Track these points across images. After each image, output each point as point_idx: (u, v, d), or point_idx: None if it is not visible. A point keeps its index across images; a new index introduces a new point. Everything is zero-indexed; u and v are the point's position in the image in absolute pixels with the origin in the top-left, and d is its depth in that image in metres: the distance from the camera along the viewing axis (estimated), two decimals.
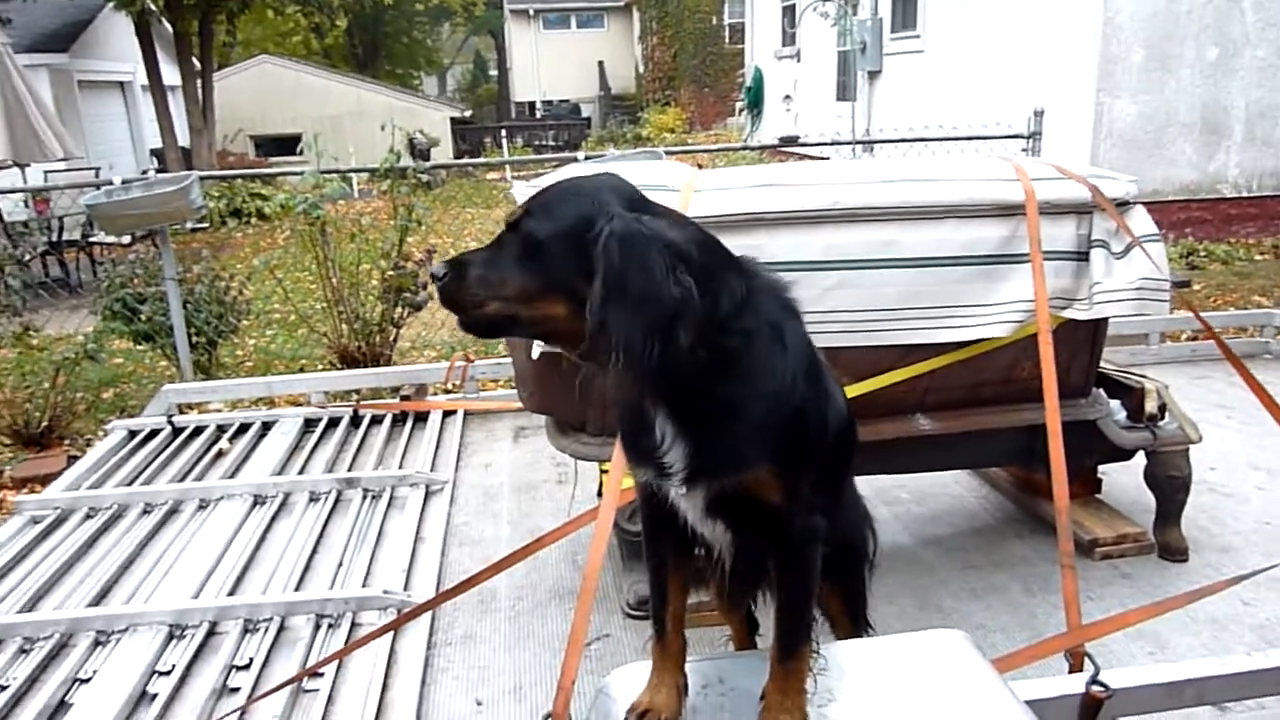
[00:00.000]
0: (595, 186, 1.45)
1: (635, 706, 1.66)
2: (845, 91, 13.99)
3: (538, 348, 2.76)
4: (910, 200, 2.85)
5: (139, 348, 7.07)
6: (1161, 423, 3.17)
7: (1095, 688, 1.97)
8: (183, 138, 18.56)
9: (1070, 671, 2.11)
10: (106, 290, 6.66)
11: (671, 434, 1.46)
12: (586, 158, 6.56)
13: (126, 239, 11.66)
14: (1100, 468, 3.45)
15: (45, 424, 5.72)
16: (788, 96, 15.91)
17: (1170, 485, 3.14)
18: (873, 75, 13.03)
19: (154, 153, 19.42)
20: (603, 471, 3.32)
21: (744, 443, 1.48)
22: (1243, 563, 3.06)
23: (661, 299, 1.31)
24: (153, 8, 16.81)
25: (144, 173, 15.14)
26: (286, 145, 24.96)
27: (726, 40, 25.19)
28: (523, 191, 2.98)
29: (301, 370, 6.85)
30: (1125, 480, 3.44)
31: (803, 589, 1.63)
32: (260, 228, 15.92)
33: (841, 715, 1.64)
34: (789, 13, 16.57)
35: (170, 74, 18.06)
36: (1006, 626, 2.80)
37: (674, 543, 1.69)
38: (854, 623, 2.06)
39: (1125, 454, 3.23)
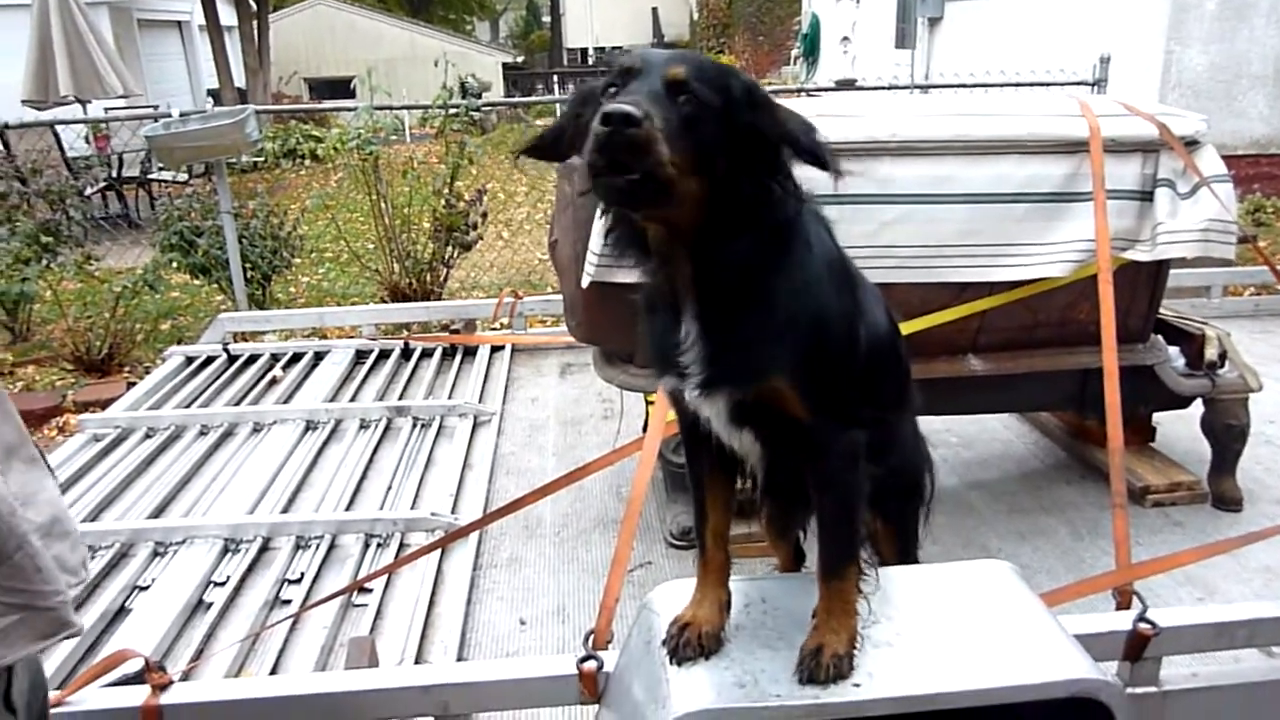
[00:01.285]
0: (735, 71, 1.45)
1: (678, 620, 1.67)
2: (904, 39, 13.63)
3: (587, 277, 2.76)
4: (970, 134, 2.78)
5: (195, 281, 7.20)
6: (1221, 370, 3.10)
7: (1142, 625, 1.95)
8: (238, 78, 18.71)
9: (1117, 609, 2.09)
10: (164, 223, 6.79)
11: (695, 335, 1.45)
12: None
13: (184, 175, 11.87)
14: (1155, 417, 3.38)
15: (106, 351, 5.89)
16: (845, 38, 15.54)
17: (1228, 434, 3.08)
18: (933, 22, 12.68)
19: (210, 93, 19.62)
20: (649, 404, 3.34)
21: (761, 348, 1.46)
22: None
23: (815, 146, 1.40)
24: None
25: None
26: (340, 88, 25.03)
27: None
28: None
29: (353, 305, 6.94)
30: (1180, 430, 3.38)
31: (844, 505, 1.62)
32: (314, 169, 16.01)
33: (886, 637, 1.64)
34: None
35: (227, 14, 18.16)
36: (1053, 569, 2.78)
37: (710, 457, 1.69)
38: (903, 559, 2.05)
39: (1182, 402, 3.17)
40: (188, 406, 4.13)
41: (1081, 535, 2.95)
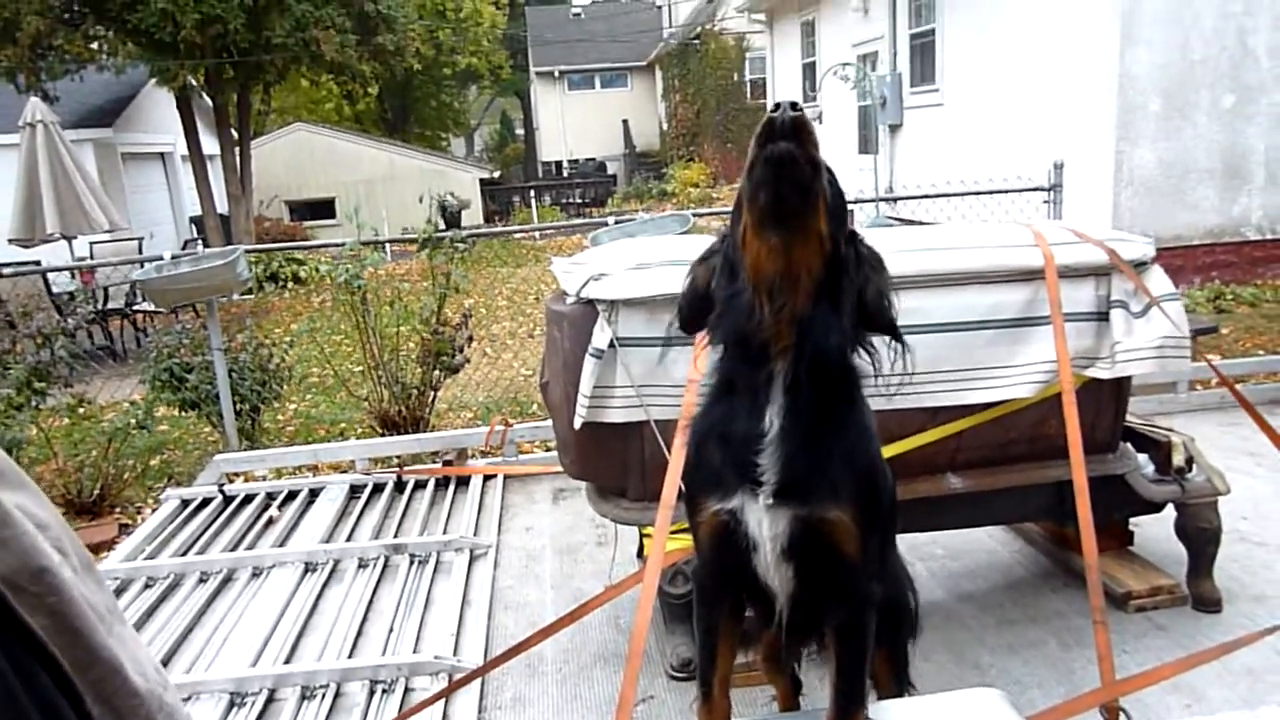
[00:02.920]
0: None
1: None
2: (867, 145, 14.20)
3: (579, 418, 2.89)
4: (934, 269, 2.96)
5: (183, 415, 7.27)
6: (1189, 475, 3.23)
7: None
8: (221, 205, 19.12)
9: None
10: (155, 360, 6.89)
11: (778, 430, 1.55)
12: (616, 221, 6.75)
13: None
14: (1132, 520, 3.50)
15: (97, 493, 5.91)
16: None
17: (1200, 537, 3.19)
18: (894, 129, 13.23)
19: (193, 220, 20.02)
20: (643, 534, 3.43)
21: (837, 473, 1.58)
22: (1277, 612, 3.09)
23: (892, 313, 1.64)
24: (194, 83, 17.46)
25: (185, 243, 15.61)
26: (320, 209, 25.60)
27: (748, 96, 25.63)
28: (562, 268, 3.14)
29: (343, 434, 7.02)
30: (1158, 531, 3.49)
31: (861, 653, 1.72)
32: (296, 292, 16.31)
33: None
34: (809, 70, 16.89)
35: (209, 144, 18.67)
36: (1044, 681, 2.85)
37: (730, 603, 1.79)
38: (897, 682, 2.14)
39: (1155, 507, 3.29)
40: (185, 553, 4.17)
41: (1069, 645, 3.03)
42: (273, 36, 16.07)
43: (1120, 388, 3.18)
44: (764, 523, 1.60)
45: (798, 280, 1.48)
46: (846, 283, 1.55)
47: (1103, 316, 3.05)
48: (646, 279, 2.84)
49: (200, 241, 16.09)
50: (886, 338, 1.64)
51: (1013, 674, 2.90)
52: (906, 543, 3.65)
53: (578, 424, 2.90)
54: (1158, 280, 3.08)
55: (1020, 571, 3.58)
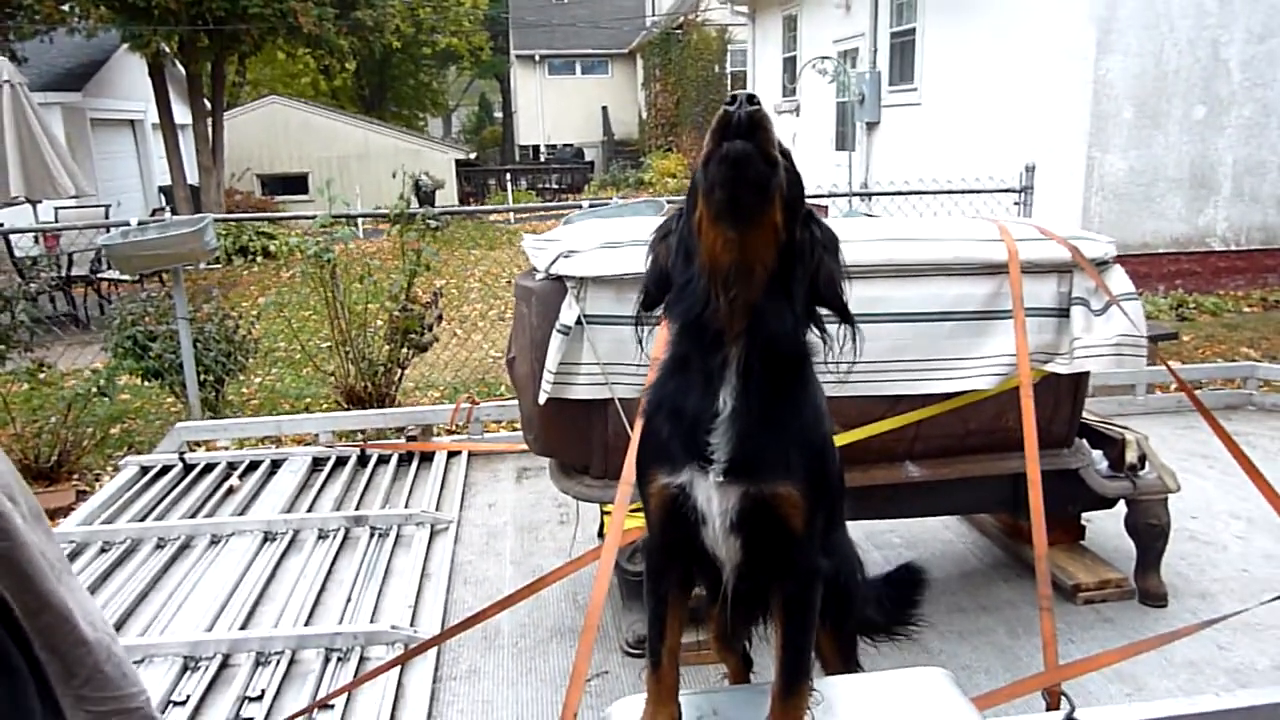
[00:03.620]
0: None
1: None
2: (844, 141, 14.27)
3: (544, 394, 2.90)
4: (900, 259, 3.00)
5: (146, 384, 7.20)
6: (1141, 472, 3.30)
7: None
8: (191, 175, 18.86)
9: (1047, 709, 2.22)
10: (118, 328, 6.81)
11: (730, 411, 1.58)
12: (590, 204, 6.75)
13: (127, 276, 11.87)
14: (1084, 515, 3.56)
15: (55, 459, 5.84)
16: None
17: (1149, 533, 3.26)
18: (871, 126, 13.31)
19: (162, 190, 19.74)
20: (604, 513, 3.45)
21: (784, 451, 1.61)
22: (1220, 609, 3.17)
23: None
24: (166, 50, 17.19)
25: (154, 211, 15.39)
26: (293, 184, 25.34)
27: (729, 88, 25.62)
28: (532, 244, 3.14)
29: (308, 410, 6.97)
30: (1109, 527, 3.56)
31: (806, 626, 1.75)
32: (266, 266, 16.15)
33: None
34: (789, 65, 16.92)
35: (181, 113, 18.40)
36: (991, 668, 2.90)
37: (679, 574, 1.81)
38: (845, 663, 2.17)
39: (1107, 502, 3.35)
40: (144, 519, 4.14)
41: (1018, 634, 3.08)
42: (249, 6, 15.87)
43: (1078, 384, 3.24)
44: (713, 499, 1.63)
45: (752, 271, 1.52)
46: (800, 269, 1.57)
47: (1063, 313, 3.10)
48: (615, 257, 2.85)
49: (169, 210, 15.88)
50: (838, 320, 1.67)
51: (961, 659, 2.95)
52: (864, 529, 3.71)
53: (542, 399, 2.91)
54: (1118, 280, 3.14)
55: (974, 562, 3.64)
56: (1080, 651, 2.89)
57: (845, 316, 1.67)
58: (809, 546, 1.70)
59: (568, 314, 2.86)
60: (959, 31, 11.11)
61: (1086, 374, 3.20)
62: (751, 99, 1.44)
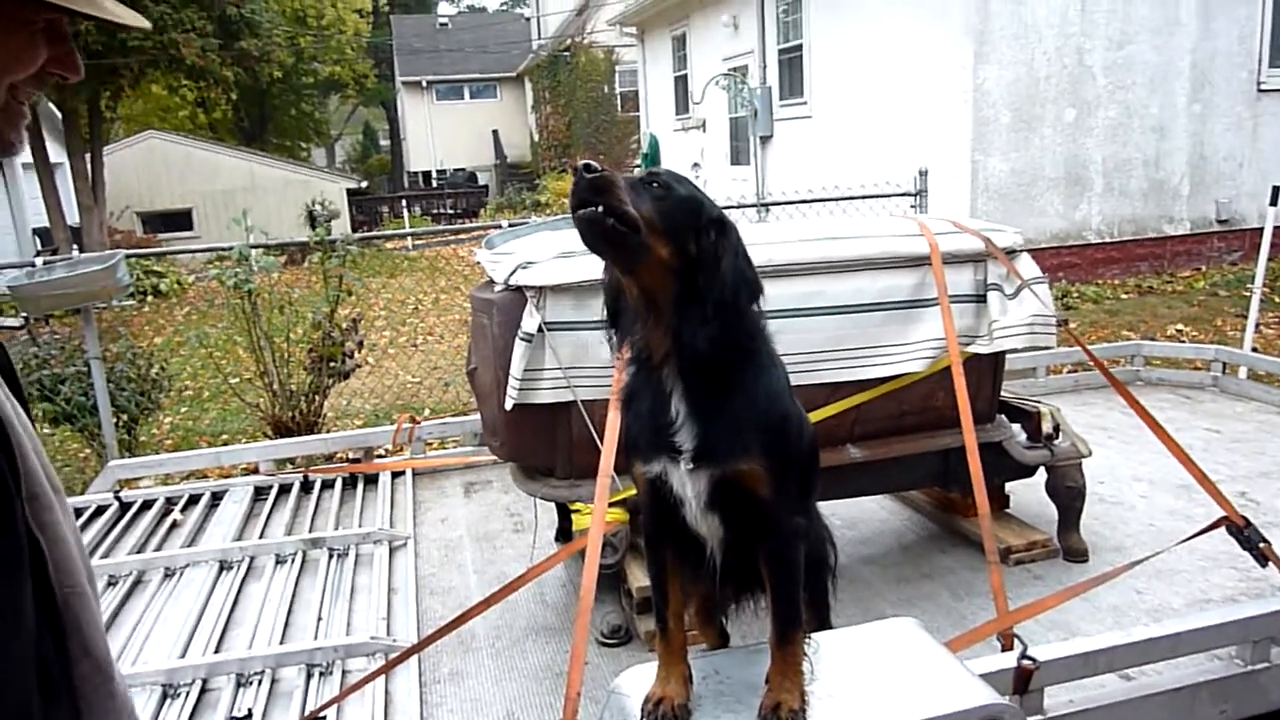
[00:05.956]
0: (695, 186, 1.82)
1: (650, 697, 1.90)
2: (739, 155, 14.72)
3: (510, 399, 3.02)
4: (833, 256, 3.24)
5: (49, 432, 6.98)
6: (1057, 441, 3.61)
7: (1025, 661, 2.32)
8: (70, 215, 18.16)
9: (1003, 651, 2.45)
10: (23, 373, 6.60)
11: (684, 414, 1.75)
12: (510, 224, 6.85)
13: (17, 321, 11.41)
14: (1007, 486, 3.86)
15: None
16: (696, 164, 16.51)
17: (1069, 494, 3.57)
18: (765, 140, 13.77)
19: (37, 232, 18.91)
20: (563, 518, 3.58)
21: (741, 435, 1.78)
22: (1134, 559, 3.48)
23: (757, 281, 1.75)
24: None
25: (53, 251, 14.75)
26: (175, 221, 24.58)
27: (619, 108, 26.03)
28: (488, 258, 3.27)
29: (227, 445, 6.86)
30: (1029, 496, 3.86)
31: (793, 578, 1.92)
32: (157, 305, 15.67)
33: (826, 690, 1.92)
34: (681, 83, 17.33)
35: (55, 152, 17.72)
36: (940, 627, 3.13)
37: (674, 545, 1.97)
38: (820, 627, 2.36)
39: (1028, 471, 3.65)
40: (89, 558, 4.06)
41: (961, 596, 3.34)
42: (128, 39, 15.44)
43: (997, 363, 3.53)
44: (686, 484, 1.81)
45: (656, 301, 1.71)
46: (705, 277, 1.71)
47: (980, 298, 3.40)
48: (572, 266, 3.00)
49: (76, 249, 15.24)
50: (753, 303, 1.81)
51: None
52: None
53: (509, 405, 3.03)
54: (1026, 265, 3.45)
55: (911, 536, 3.89)
56: (1019, 603, 3.15)
57: (753, 302, 1.78)
58: (783, 510, 1.88)
59: (529, 322, 3.00)
60: (845, 47, 11.63)
61: (1004, 354, 3.50)
62: (589, 168, 1.62)
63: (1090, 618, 3.11)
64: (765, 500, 1.82)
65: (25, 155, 17.53)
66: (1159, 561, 3.25)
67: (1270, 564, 2.82)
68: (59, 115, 17.90)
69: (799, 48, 12.67)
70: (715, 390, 1.77)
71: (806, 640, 1.95)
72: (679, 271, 1.69)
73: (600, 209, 1.60)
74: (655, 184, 1.71)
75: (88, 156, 17.67)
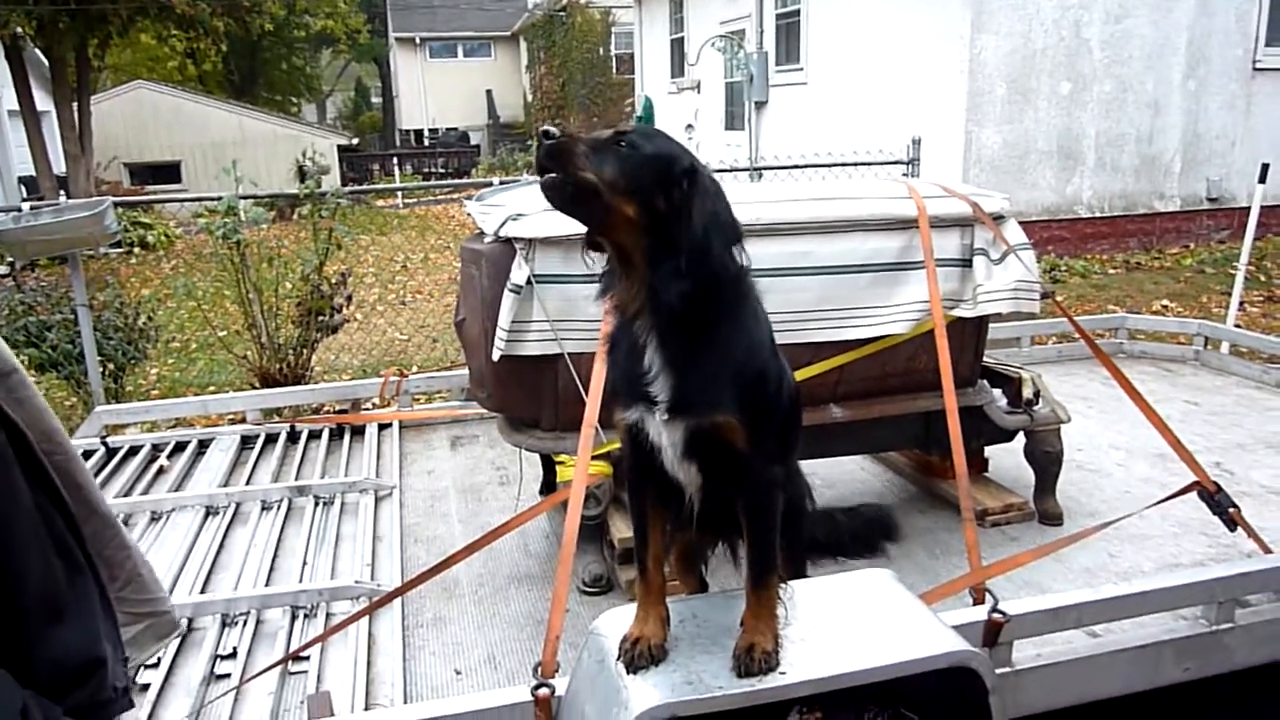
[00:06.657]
0: (676, 141, 1.84)
1: (628, 636, 1.94)
2: (733, 121, 14.65)
3: (498, 351, 3.04)
4: (822, 216, 3.26)
5: (37, 378, 6.97)
6: (1036, 407, 3.66)
7: (996, 615, 2.38)
8: (57, 165, 17.98)
9: (974, 604, 2.51)
10: (9, 319, 6.58)
11: (659, 366, 1.79)
12: (501, 183, 6.84)
13: (3, 268, 11.32)
14: (986, 450, 3.91)
15: None
16: (690, 126, 16.43)
17: (1046, 459, 3.63)
18: (760, 105, 13.71)
19: (23, 180, 18.72)
20: (547, 469, 3.62)
21: (717, 388, 1.81)
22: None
23: (733, 224, 1.76)
24: (23, 32, 16.31)
25: (41, 198, 14.67)
26: (163, 173, 24.38)
27: (614, 70, 25.82)
28: (479, 209, 3.28)
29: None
30: (1007, 461, 3.92)
31: (769, 525, 1.96)
32: (144, 257, 15.57)
33: (800, 634, 1.98)
34: (677, 46, 17.20)
35: (42, 99, 17.50)
36: (915, 584, 3.13)
37: (654, 490, 2.01)
38: (796, 576, 2.41)
39: (1008, 435, 3.71)
40: None
41: (937, 555, 3.40)
42: None
43: (980, 328, 3.57)
44: (663, 433, 1.85)
45: (630, 256, 1.75)
46: (678, 231, 1.71)
47: (966, 263, 3.42)
48: (562, 219, 3.00)
49: (63, 194, 15.12)
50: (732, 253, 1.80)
51: None
52: None
53: (496, 356, 3.05)
54: (1013, 231, 3.47)
55: (890, 497, 3.95)
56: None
57: (730, 256, 1.77)
58: (760, 461, 1.91)
59: (518, 274, 3.01)
60: (842, 13, 11.56)
61: (987, 319, 3.54)
62: (547, 135, 1.67)
63: (1062, 578, 3.18)
64: (741, 452, 1.86)
65: (11, 102, 17.34)
66: (1131, 526, 3.32)
67: (1239, 528, 2.88)
68: (46, 63, 17.65)
69: (796, 13, 12.59)
70: (691, 343, 1.79)
71: (782, 586, 2.00)
72: (648, 227, 1.71)
73: (557, 173, 1.65)
74: (622, 143, 1.73)
75: (75, 105, 17.45)
